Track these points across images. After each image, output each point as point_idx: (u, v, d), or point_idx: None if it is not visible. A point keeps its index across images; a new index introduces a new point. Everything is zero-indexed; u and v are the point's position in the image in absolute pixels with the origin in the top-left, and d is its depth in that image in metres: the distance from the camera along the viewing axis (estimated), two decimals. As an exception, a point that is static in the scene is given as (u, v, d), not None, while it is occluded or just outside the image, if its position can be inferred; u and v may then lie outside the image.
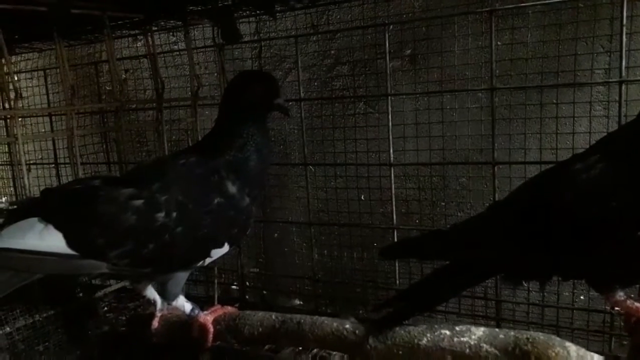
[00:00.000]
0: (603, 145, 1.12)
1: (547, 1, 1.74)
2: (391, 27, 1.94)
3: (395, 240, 1.96)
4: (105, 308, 2.14)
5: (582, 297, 1.86)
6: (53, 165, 2.81)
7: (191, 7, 2.04)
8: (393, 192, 1.94)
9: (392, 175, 1.93)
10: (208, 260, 1.45)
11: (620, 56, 1.55)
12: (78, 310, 1.95)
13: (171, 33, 2.52)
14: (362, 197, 2.26)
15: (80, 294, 2.05)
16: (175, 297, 1.48)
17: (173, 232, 1.33)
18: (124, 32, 2.36)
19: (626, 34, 1.54)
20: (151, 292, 1.52)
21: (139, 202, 1.32)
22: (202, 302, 1.67)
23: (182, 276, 1.47)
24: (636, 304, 1.06)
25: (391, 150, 1.91)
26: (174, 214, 1.33)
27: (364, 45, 2.17)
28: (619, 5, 1.55)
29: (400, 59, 2.13)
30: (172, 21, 2.23)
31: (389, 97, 1.91)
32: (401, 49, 2.11)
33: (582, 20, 1.79)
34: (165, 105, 2.36)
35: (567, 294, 1.87)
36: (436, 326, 1.21)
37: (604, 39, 1.79)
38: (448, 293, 1.29)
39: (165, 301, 1.51)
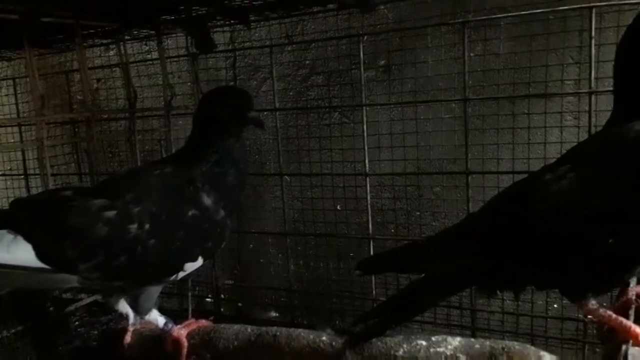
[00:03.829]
0: (573, 155, 1.14)
1: (518, 13, 1.77)
2: (365, 37, 1.95)
3: (372, 249, 1.96)
4: (77, 322, 2.09)
5: (555, 306, 1.88)
6: (22, 176, 2.75)
7: (164, 17, 2.02)
8: (369, 201, 1.94)
9: (368, 185, 1.94)
10: (182, 274, 1.43)
11: (590, 67, 1.58)
12: (48, 325, 1.91)
13: (144, 42, 2.50)
14: (338, 207, 2.26)
15: (51, 309, 2.00)
16: (148, 311, 1.45)
17: (146, 244, 1.31)
18: (95, 40, 2.33)
19: (595, 45, 1.58)
20: (123, 306, 1.49)
21: (111, 213, 1.30)
22: (175, 315, 1.64)
23: (155, 290, 1.45)
24: (608, 312, 1.07)
25: (366, 160, 1.91)
26: (147, 226, 1.31)
27: (338, 56, 2.18)
28: (587, 18, 1.58)
29: (375, 69, 2.14)
30: (145, 30, 2.20)
31: (364, 107, 1.91)
32: (375, 59, 2.13)
33: (553, 32, 1.82)
34: (138, 115, 2.33)
35: (540, 302, 1.89)
36: (412, 337, 1.21)
37: (574, 51, 1.83)
38: (425, 305, 1.29)
39: (137, 315, 1.48)
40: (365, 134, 1.90)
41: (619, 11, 1.66)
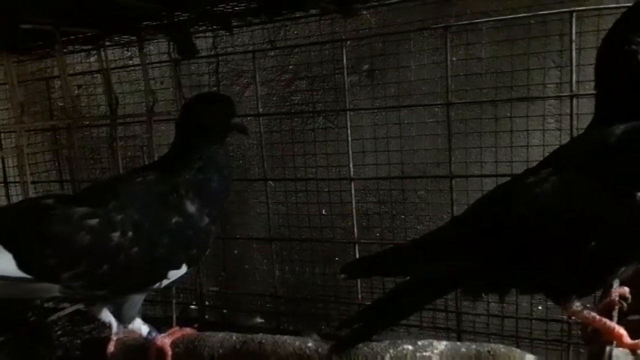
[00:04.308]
0: (555, 158, 1.15)
1: (500, 18, 1.78)
2: (348, 42, 1.95)
3: (357, 254, 1.96)
4: (59, 332, 2.06)
5: (539, 308, 1.90)
6: (2, 184, 2.71)
7: (146, 23, 2.01)
8: (354, 206, 1.94)
9: (353, 189, 1.94)
10: (165, 282, 1.41)
11: (571, 71, 1.60)
12: (30, 335, 1.88)
13: (125, 48, 2.48)
14: (323, 212, 2.25)
15: (32, 318, 1.97)
16: (131, 319, 1.43)
17: (129, 252, 1.29)
18: (76, 47, 2.31)
19: (575, 49, 1.59)
20: (106, 315, 1.47)
21: (93, 221, 1.28)
22: (159, 323, 1.62)
23: (138, 298, 1.43)
24: (592, 313, 1.08)
25: (351, 165, 1.92)
26: (130, 234, 1.29)
27: (321, 61, 2.18)
28: (568, 22, 1.60)
29: (358, 74, 2.14)
30: (126, 36, 2.19)
31: (348, 112, 1.91)
32: (359, 64, 2.13)
33: (534, 36, 1.84)
34: (120, 121, 2.31)
35: (525, 304, 1.90)
36: (399, 341, 1.20)
37: (555, 54, 1.84)
38: (410, 308, 1.28)
39: (121, 324, 1.45)
40: (350, 139, 1.90)
41: (599, 15, 1.68)
